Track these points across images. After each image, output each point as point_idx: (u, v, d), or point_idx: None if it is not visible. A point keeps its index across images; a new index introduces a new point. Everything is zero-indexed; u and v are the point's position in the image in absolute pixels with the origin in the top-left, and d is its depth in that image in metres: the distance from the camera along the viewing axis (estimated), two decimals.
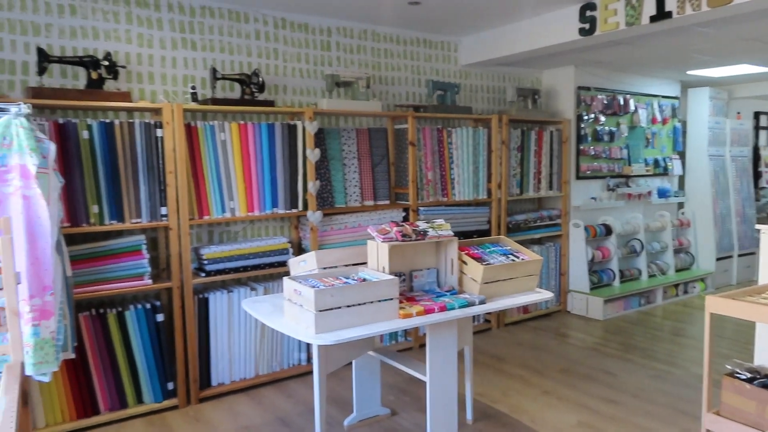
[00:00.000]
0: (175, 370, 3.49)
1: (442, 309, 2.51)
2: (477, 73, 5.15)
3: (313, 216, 3.85)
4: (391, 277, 2.47)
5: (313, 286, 2.36)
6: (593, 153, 5.51)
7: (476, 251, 2.92)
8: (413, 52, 4.72)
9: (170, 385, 3.49)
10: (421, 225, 2.74)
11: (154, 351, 3.42)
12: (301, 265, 2.85)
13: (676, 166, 6.30)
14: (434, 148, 4.49)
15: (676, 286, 5.90)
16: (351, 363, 3.14)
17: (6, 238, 1.62)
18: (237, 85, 3.83)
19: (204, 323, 3.61)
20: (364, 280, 2.52)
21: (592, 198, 5.58)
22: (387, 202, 4.34)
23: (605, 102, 5.55)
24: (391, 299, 2.42)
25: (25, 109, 2.53)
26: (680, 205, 6.51)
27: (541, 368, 3.99)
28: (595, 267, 5.54)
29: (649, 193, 5.99)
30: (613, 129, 5.65)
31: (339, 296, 2.30)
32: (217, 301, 3.62)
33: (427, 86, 4.53)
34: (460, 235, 4.55)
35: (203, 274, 3.56)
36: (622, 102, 5.69)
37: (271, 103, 3.73)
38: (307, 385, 3.76)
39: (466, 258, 2.77)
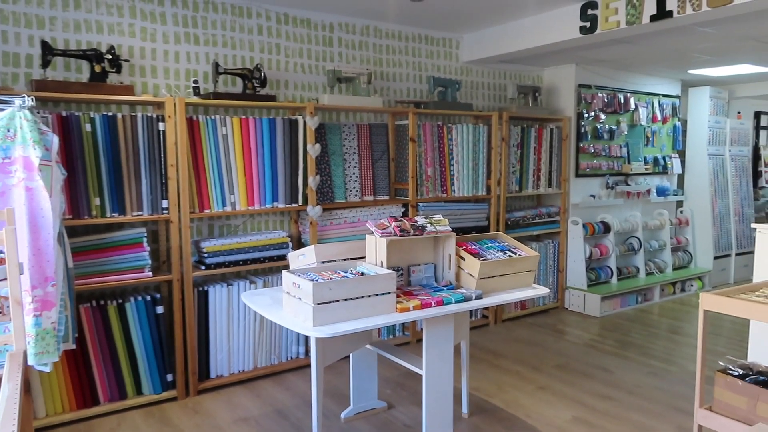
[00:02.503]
0: (174, 362, 3.52)
1: (439, 303, 2.54)
2: (478, 70, 5.17)
3: (313, 211, 3.87)
4: (389, 271, 2.50)
5: (312, 280, 2.39)
6: (593, 151, 5.54)
7: (474, 247, 2.94)
8: (415, 48, 4.74)
9: (169, 377, 3.52)
10: (420, 220, 2.76)
11: (154, 343, 3.45)
12: (300, 258, 2.88)
13: (675, 165, 6.32)
14: (434, 144, 4.52)
15: (674, 284, 5.93)
16: (348, 356, 3.18)
17: (9, 229, 1.65)
18: (239, 80, 3.85)
19: (204, 316, 3.64)
20: (362, 274, 2.55)
21: (591, 196, 5.61)
22: (387, 197, 4.37)
23: (606, 100, 5.57)
24: (389, 293, 2.45)
25: (29, 101, 2.56)
26: (679, 204, 6.54)
27: (538, 364, 4.02)
28: (593, 264, 5.56)
29: (648, 191, 6.01)
30: (613, 127, 5.67)
31: (337, 290, 2.33)
32: (217, 294, 3.65)
33: (428, 82, 4.55)
34: (459, 231, 4.59)
35: (203, 267, 3.59)
36: (622, 100, 5.71)
37: (272, 98, 3.76)
38: (305, 378, 3.79)
39: (463, 253, 2.80)
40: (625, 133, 5.77)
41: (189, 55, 3.73)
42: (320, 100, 4.02)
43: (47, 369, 2.69)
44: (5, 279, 2.19)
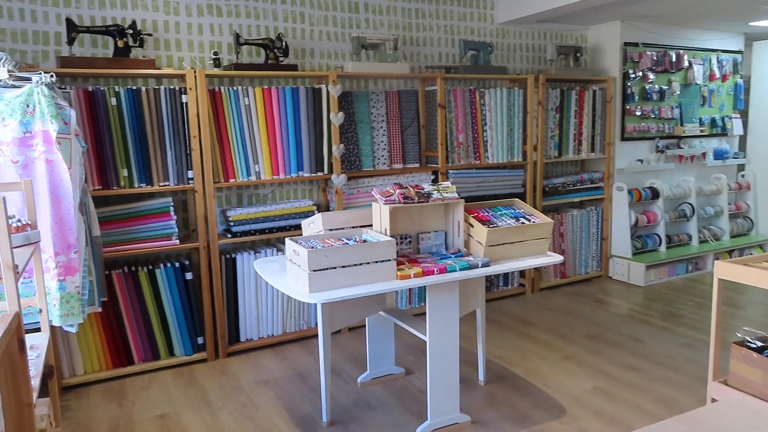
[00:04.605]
0: (204, 326, 3.67)
1: (442, 271, 2.51)
2: (515, 32, 4.97)
3: (338, 179, 3.89)
4: (389, 238, 2.48)
5: (312, 247, 2.41)
6: (640, 113, 5.25)
7: (486, 214, 2.88)
8: (446, 11, 4.61)
9: (200, 340, 3.68)
10: (426, 187, 2.72)
11: (184, 307, 3.60)
12: (311, 226, 2.91)
13: (736, 126, 5.91)
14: (466, 110, 4.41)
15: (731, 252, 5.60)
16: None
17: None
18: (262, 50, 3.88)
19: (232, 282, 3.76)
20: (365, 241, 2.55)
21: (639, 160, 5.34)
22: (417, 165, 4.33)
23: (655, 58, 5.24)
24: (389, 260, 2.44)
25: (46, 77, 2.67)
26: (740, 167, 6.12)
27: (568, 333, 3.93)
28: (640, 232, 5.33)
29: (704, 154, 5.67)
30: (664, 87, 5.34)
31: (333, 256, 2.34)
32: (245, 262, 3.75)
33: (459, 46, 4.43)
34: (493, 198, 4.50)
35: (230, 236, 3.69)
36: (674, 58, 5.36)
37: (294, 67, 3.76)
38: (333, 343, 3.85)
39: (472, 220, 2.74)
40: (678, 93, 5.43)
41: (212, 27, 3.78)
42: (345, 67, 3.99)
43: (73, 330, 2.87)
44: (25, 245, 2.33)
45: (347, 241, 2.54)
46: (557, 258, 2.78)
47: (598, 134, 5.08)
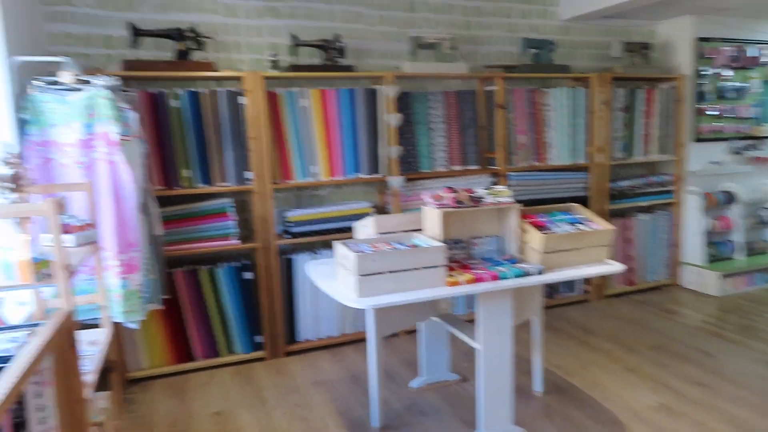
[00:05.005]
0: (262, 325, 3.72)
1: (494, 278, 2.44)
2: (579, 28, 4.79)
3: (395, 181, 3.86)
4: (439, 244, 2.43)
5: (361, 251, 2.39)
6: (715, 112, 4.95)
7: (542, 219, 2.77)
8: (507, 8, 4.49)
9: (258, 339, 3.73)
10: (479, 191, 2.65)
11: (243, 306, 3.66)
12: (363, 229, 2.89)
13: None
14: (527, 110, 4.29)
15: None
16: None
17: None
18: (319, 51, 3.89)
19: (290, 283, 3.80)
20: (415, 246, 2.50)
21: (713, 162, 5.04)
22: (476, 167, 4.24)
23: (731, 55, 4.93)
24: (438, 266, 2.39)
25: (108, 81, 2.77)
26: None
27: (632, 344, 3.74)
28: (714, 238, 5.03)
29: None
30: (741, 85, 5.01)
31: (382, 261, 2.31)
32: (302, 263, 3.78)
33: (519, 45, 4.31)
34: (555, 201, 4.34)
35: (288, 236, 3.72)
36: (755, 53, 5.02)
37: (351, 68, 3.76)
38: (389, 347, 3.84)
39: (527, 226, 2.65)
40: (758, 90, 5.08)
41: (270, 29, 3.82)
42: (402, 68, 3.95)
43: (135, 326, 2.96)
44: (85, 244, 2.42)
45: (397, 246, 2.50)
46: (617, 267, 2.64)
47: (668, 135, 4.82)
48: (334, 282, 2.55)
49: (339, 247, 2.46)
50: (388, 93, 3.78)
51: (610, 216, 4.67)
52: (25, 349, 1.52)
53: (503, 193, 2.65)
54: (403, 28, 4.17)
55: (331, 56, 3.75)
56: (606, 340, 3.82)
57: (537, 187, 4.30)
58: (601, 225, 2.74)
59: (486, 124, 4.28)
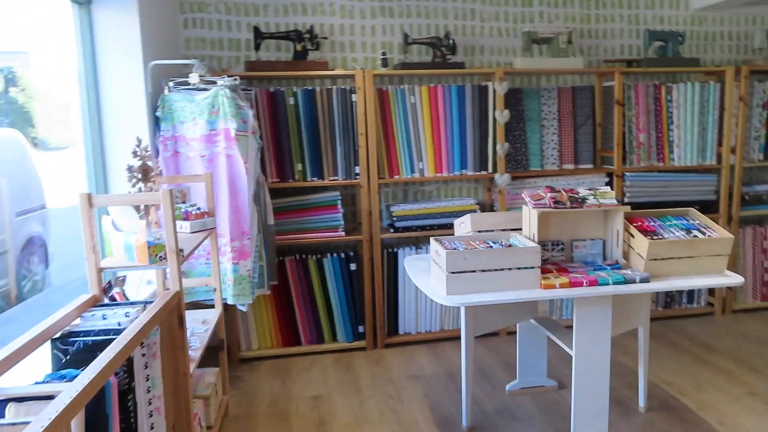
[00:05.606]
0: (365, 316, 3.83)
1: (592, 283, 2.33)
2: (714, 18, 4.40)
3: (501, 179, 3.80)
4: (534, 245, 2.37)
5: (454, 248, 2.40)
6: None
7: (652, 224, 2.61)
8: None
9: (360, 329, 3.85)
10: (582, 192, 2.54)
11: (347, 296, 3.80)
12: (461, 226, 2.89)
13: None
14: (649, 107, 4.03)
15: None
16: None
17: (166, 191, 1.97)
18: (430, 49, 3.92)
19: (393, 276, 3.88)
20: (510, 246, 2.46)
21: None
22: (590, 166, 4.06)
23: None
24: (532, 268, 2.34)
25: (230, 81, 2.99)
26: None
27: (760, 366, 3.41)
28: None
29: None
30: None
31: (472, 259, 2.30)
32: (406, 257, 3.84)
33: (643, 37, 4.05)
34: (678, 205, 4.05)
35: (392, 231, 3.80)
36: None
37: (461, 65, 3.75)
38: (488, 346, 3.80)
39: (633, 230, 2.50)
40: None
41: (384, 28, 3.91)
42: (513, 64, 3.88)
43: (244, 309, 3.19)
44: (201, 231, 2.64)
45: (492, 245, 2.48)
46: (735, 279, 2.42)
47: None
48: (428, 278, 2.58)
49: (433, 244, 2.49)
50: (497, 89, 3.72)
51: (744, 223, 4.27)
52: (135, 322, 1.70)
53: (607, 195, 2.53)
54: (517, 23, 4.08)
55: (441, 53, 3.76)
56: (729, 360, 3.51)
57: (657, 189, 4.03)
58: (719, 232, 2.53)
59: (603, 122, 4.09)
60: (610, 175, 4.04)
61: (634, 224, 2.57)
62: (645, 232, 2.51)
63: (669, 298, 4.27)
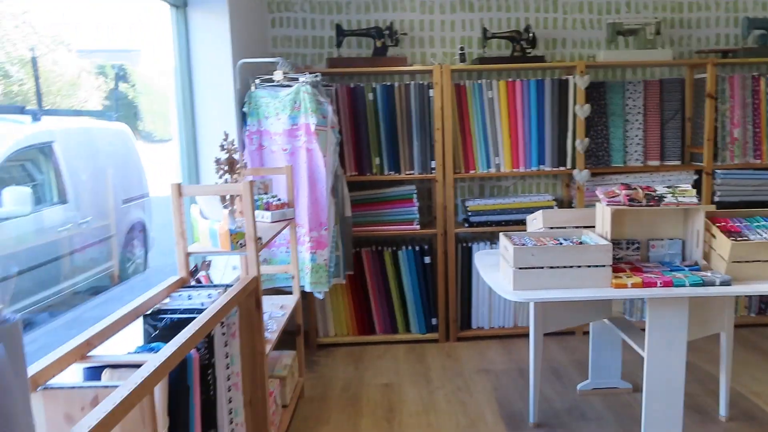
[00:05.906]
0: (438, 309, 3.88)
1: (667, 284, 2.27)
2: None
3: (579, 175, 3.73)
4: (605, 242, 2.33)
5: (523, 244, 2.40)
6: None
7: (737, 224, 2.49)
8: None
9: (434, 321, 3.91)
10: (659, 189, 2.47)
11: (421, 288, 3.87)
12: (533, 222, 2.88)
13: None
14: (745, 100, 3.81)
15: None
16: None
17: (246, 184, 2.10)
18: (510, 43, 3.89)
19: (467, 270, 3.90)
20: (581, 243, 2.43)
21: None
22: (678, 162, 3.90)
23: None
24: (602, 266, 2.30)
25: (311, 77, 3.12)
26: None
27: None
28: None
29: None
30: None
31: (540, 255, 2.30)
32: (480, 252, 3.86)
33: (741, 26, 3.82)
34: None
35: (467, 225, 3.82)
36: None
37: (540, 59, 3.70)
38: (562, 345, 3.75)
39: (715, 231, 2.40)
40: None
41: (463, 23, 3.92)
42: (596, 57, 3.78)
43: (320, 296, 3.33)
44: (281, 221, 2.80)
45: (563, 242, 2.46)
46: None
47: None
48: (497, 272, 2.60)
49: (502, 239, 2.50)
50: (578, 84, 3.65)
51: None
52: (216, 302, 1.85)
53: (687, 193, 2.44)
54: (602, 14, 3.97)
55: (521, 47, 3.72)
56: None
57: (751, 189, 3.80)
58: None
59: (693, 116, 3.90)
60: (699, 172, 3.85)
61: (717, 224, 2.46)
62: (729, 232, 2.41)
63: (764, 304, 4.03)
